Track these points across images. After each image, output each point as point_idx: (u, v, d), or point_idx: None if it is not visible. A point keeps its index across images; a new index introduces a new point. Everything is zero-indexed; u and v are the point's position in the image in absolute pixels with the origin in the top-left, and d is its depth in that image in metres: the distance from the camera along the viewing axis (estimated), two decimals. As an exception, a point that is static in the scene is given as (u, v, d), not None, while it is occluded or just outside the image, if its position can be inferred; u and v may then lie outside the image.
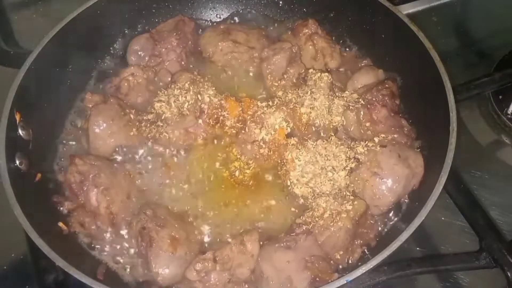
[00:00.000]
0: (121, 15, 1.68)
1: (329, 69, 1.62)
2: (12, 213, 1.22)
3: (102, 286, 1.14)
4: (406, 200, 1.39)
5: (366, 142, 1.41)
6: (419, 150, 1.43)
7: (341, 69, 1.65)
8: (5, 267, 1.47)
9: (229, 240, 1.32)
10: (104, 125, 1.45)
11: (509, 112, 1.66)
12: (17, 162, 1.34)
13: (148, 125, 1.49)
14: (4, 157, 1.29)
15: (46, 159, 1.48)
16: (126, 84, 1.55)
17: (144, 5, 1.72)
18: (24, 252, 1.44)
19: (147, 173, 1.46)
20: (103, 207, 1.36)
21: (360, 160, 1.38)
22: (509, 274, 1.27)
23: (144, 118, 1.50)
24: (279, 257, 1.25)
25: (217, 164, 1.48)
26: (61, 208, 1.39)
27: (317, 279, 1.23)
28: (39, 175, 1.40)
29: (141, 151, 1.49)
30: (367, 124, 1.45)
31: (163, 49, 1.62)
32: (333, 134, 1.48)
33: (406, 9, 1.85)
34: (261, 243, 1.29)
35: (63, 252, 1.19)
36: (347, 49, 1.71)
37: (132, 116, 1.50)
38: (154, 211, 1.34)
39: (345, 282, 1.14)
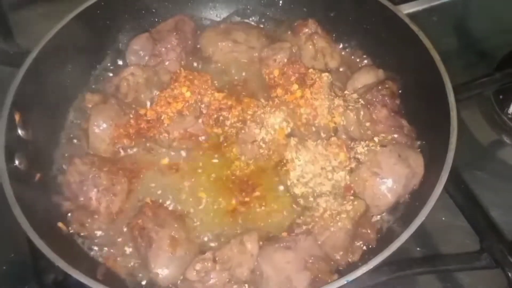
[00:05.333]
0: (121, 15, 1.68)
1: (329, 69, 1.62)
2: (11, 213, 1.22)
3: (101, 286, 1.14)
4: (406, 200, 1.38)
5: (367, 142, 1.40)
6: (419, 150, 1.42)
7: (341, 69, 1.65)
8: (4, 267, 1.47)
9: (229, 240, 1.31)
10: (104, 125, 1.45)
11: (509, 112, 1.66)
12: (17, 162, 1.34)
13: (148, 125, 1.48)
14: (3, 157, 1.29)
15: (46, 159, 1.47)
16: (125, 83, 1.55)
17: (144, 5, 1.71)
18: (23, 252, 1.43)
19: (147, 173, 1.46)
20: (103, 207, 1.36)
21: (360, 160, 1.38)
22: (509, 274, 1.26)
23: (144, 118, 1.49)
24: (278, 257, 1.24)
25: (217, 164, 1.48)
26: (61, 208, 1.39)
27: (317, 279, 1.22)
28: (38, 175, 1.40)
29: (141, 151, 1.49)
30: (367, 124, 1.45)
31: (163, 49, 1.62)
32: (333, 134, 1.48)
33: (406, 9, 1.84)
34: (260, 243, 1.29)
35: (62, 252, 1.19)
36: (347, 49, 1.70)
37: (131, 116, 1.50)
38: (153, 212, 1.34)
39: (345, 282, 1.14)
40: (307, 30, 1.64)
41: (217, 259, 1.25)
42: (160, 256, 1.27)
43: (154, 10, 1.73)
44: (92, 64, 1.66)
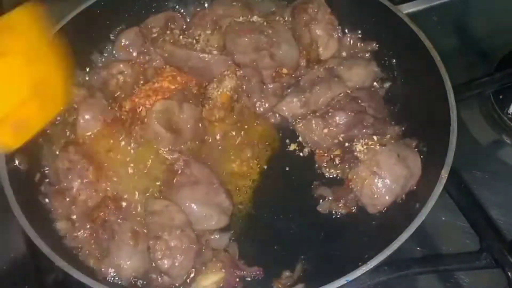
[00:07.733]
0: (121, 14, 1.66)
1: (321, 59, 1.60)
2: (11, 213, 1.22)
3: (101, 286, 1.14)
4: (406, 200, 1.38)
5: (366, 140, 1.40)
6: (417, 150, 1.42)
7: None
8: (4, 267, 1.47)
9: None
10: (92, 120, 1.45)
11: (509, 111, 1.66)
12: (16, 161, 1.33)
13: (133, 120, 1.47)
14: (3, 157, 1.28)
15: (46, 158, 1.47)
16: (115, 82, 1.54)
17: (144, 5, 1.70)
18: (23, 252, 1.43)
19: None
20: (81, 199, 1.35)
21: (360, 159, 1.38)
22: (509, 274, 1.26)
23: (130, 115, 1.47)
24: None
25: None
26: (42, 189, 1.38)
27: None
28: (38, 175, 1.40)
29: (127, 145, 1.47)
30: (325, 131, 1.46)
31: (151, 48, 1.60)
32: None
33: (406, 9, 1.83)
34: None
35: (63, 252, 1.19)
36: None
37: (117, 109, 1.49)
38: (115, 205, 1.34)
39: (345, 282, 1.13)
40: (307, 15, 1.59)
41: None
42: (123, 248, 1.26)
43: (148, 7, 1.70)
44: (91, 63, 1.64)
